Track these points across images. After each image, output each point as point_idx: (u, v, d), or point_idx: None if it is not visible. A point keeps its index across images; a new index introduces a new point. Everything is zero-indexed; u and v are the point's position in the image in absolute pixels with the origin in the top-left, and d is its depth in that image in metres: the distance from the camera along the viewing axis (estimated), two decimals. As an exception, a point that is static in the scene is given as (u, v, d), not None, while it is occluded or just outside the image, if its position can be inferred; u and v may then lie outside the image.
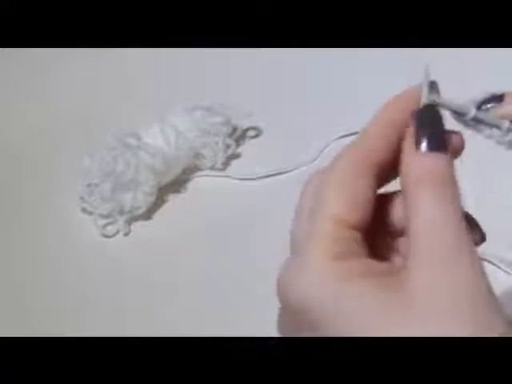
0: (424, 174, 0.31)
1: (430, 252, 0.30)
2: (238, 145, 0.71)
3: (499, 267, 0.59)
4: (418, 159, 0.32)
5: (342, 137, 0.70)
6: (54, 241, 0.66)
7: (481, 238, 0.34)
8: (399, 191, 0.33)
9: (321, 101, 0.75)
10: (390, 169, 0.33)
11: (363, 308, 0.30)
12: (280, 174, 0.69)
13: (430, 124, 0.33)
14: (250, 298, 0.61)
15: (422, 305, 0.29)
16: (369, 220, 0.33)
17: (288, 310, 0.33)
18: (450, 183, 0.31)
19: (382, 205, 0.34)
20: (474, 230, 0.34)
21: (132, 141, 0.67)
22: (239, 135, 0.72)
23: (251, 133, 0.73)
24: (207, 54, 0.76)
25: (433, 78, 0.36)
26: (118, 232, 0.66)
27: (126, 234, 0.66)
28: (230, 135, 0.71)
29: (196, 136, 0.69)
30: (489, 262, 0.58)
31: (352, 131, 0.71)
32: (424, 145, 0.32)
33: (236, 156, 0.71)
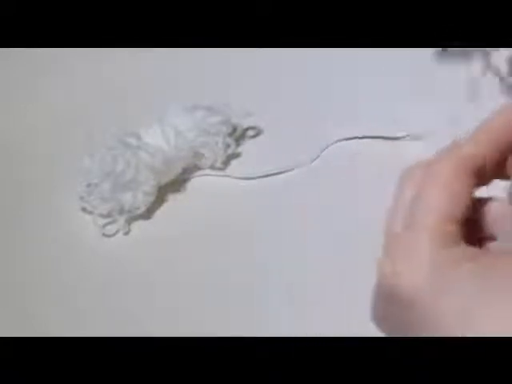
0: None
1: None
2: (237, 144, 0.71)
3: None
4: None
5: (341, 140, 0.70)
6: (54, 241, 0.66)
7: None
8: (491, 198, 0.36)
9: (321, 101, 0.75)
10: (491, 171, 0.35)
11: (476, 289, 0.31)
12: (280, 173, 0.69)
13: None
14: (250, 298, 0.61)
15: None
16: (466, 217, 0.34)
17: (394, 300, 0.33)
18: None
19: (477, 207, 0.36)
20: None
21: (132, 141, 0.67)
22: (239, 135, 0.72)
23: (251, 132, 0.73)
24: (207, 53, 0.76)
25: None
26: (117, 231, 0.66)
27: (126, 234, 0.66)
28: (230, 135, 0.71)
29: (196, 136, 0.69)
30: None
31: (352, 130, 0.71)
32: None
33: (236, 155, 0.71)
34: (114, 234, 0.66)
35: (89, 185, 0.67)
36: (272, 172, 0.69)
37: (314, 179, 0.69)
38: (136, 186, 0.65)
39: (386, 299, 0.34)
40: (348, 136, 0.71)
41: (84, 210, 0.67)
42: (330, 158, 0.70)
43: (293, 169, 0.69)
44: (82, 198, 0.67)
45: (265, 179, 0.69)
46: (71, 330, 0.59)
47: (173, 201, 0.68)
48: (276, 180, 0.69)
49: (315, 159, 0.70)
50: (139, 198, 0.66)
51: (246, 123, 0.72)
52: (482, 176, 0.35)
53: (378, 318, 0.35)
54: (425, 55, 0.75)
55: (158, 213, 0.67)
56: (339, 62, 0.77)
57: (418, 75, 0.74)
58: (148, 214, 0.67)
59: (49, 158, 0.73)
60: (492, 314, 0.30)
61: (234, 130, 0.71)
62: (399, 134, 0.69)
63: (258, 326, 0.58)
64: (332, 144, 0.70)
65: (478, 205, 0.36)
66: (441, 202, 0.34)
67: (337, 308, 0.58)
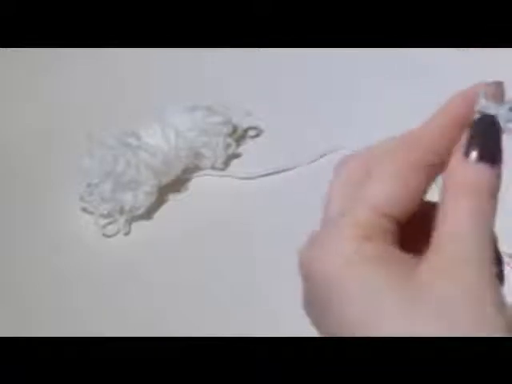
0: (464, 183, 0.31)
1: (445, 258, 0.30)
2: (238, 144, 0.71)
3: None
4: (463, 167, 0.31)
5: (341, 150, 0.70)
6: (54, 241, 0.66)
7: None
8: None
9: (321, 101, 0.75)
10: (444, 167, 0.33)
11: (371, 290, 0.30)
12: (280, 173, 0.69)
13: (483, 134, 0.32)
14: (250, 297, 0.61)
15: (427, 302, 0.29)
16: (408, 217, 0.32)
17: (306, 281, 0.33)
18: (488, 199, 0.31)
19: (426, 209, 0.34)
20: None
21: (132, 141, 0.67)
22: (239, 135, 0.72)
23: (251, 132, 0.73)
24: (207, 54, 0.76)
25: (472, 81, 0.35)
26: (118, 232, 0.66)
27: (127, 234, 0.66)
28: (231, 135, 0.71)
29: (196, 136, 0.69)
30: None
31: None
32: (473, 154, 0.31)
33: (236, 156, 0.71)
34: (114, 235, 0.66)
35: (89, 185, 0.67)
36: (272, 172, 0.69)
37: (314, 179, 0.69)
38: (136, 186, 0.65)
39: (304, 281, 0.33)
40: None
41: (84, 210, 0.67)
42: (330, 158, 0.70)
43: (293, 169, 0.70)
44: (82, 198, 0.67)
45: (265, 179, 0.69)
46: (71, 330, 0.59)
47: (173, 201, 0.68)
48: (276, 180, 0.69)
49: (315, 159, 0.70)
50: (140, 198, 0.66)
51: (246, 123, 0.72)
52: (435, 172, 0.33)
53: (304, 302, 0.34)
54: (425, 55, 0.75)
55: (159, 213, 0.67)
56: (339, 62, 0.77)
57: (418, 75, 0.74)
58: (148, 214, 0.67)
59: (49, 158, 0.73)
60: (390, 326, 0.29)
61: (235, 130, 0.71)
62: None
63: (258, 326, 0.58)
64: (332, 152, 0.70)
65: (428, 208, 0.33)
66: (381, 196, 0.32)
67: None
